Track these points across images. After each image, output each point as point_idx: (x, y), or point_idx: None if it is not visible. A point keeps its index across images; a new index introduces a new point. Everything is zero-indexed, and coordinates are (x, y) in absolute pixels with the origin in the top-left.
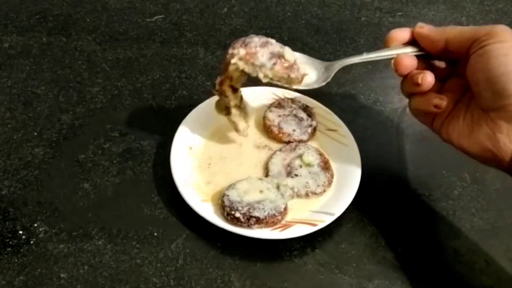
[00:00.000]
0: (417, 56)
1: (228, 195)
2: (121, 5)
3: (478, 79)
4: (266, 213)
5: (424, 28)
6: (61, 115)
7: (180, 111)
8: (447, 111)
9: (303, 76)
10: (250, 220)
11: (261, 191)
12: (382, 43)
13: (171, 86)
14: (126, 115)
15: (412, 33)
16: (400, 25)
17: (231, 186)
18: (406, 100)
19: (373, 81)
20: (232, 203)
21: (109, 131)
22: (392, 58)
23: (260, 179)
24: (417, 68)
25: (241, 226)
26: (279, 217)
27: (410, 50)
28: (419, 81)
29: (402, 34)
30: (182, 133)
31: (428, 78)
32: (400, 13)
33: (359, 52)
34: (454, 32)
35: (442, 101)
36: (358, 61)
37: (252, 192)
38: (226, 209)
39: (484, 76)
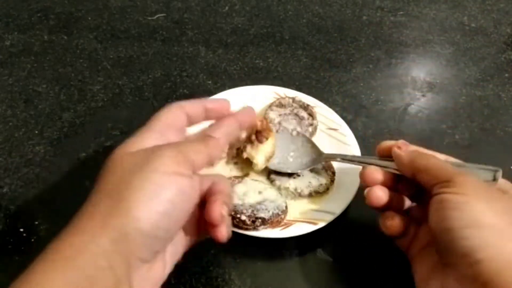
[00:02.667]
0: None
1: None
2: (123, 3)
3: (431, 225)
4: (270, 213)
5: (401, 150)
6: (62, 113)
7: None
8: (421, 243)
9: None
10: (256, 221)
11: (260, 192)
12: (383, 42)
13: (172, 85)
14: (127, 114)
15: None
16: (402, 24)
17: None
18: (407, 100)
19: (374, 81)
20: (235, 206)
21: (110, 130)
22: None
23: (255, 180)
24: (384, 183)
25: (246, 229)
26: (282, 216)
27: (387, 164)
28: (365, 194)
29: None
30: None
31: (373, 194)
32: (401, 12)
33: (359, 51)
34: (421, 166)
35: (391, 222)
36: (338, 161)
37: (251, 194)
38: (231, 213)
39: (434, 225)
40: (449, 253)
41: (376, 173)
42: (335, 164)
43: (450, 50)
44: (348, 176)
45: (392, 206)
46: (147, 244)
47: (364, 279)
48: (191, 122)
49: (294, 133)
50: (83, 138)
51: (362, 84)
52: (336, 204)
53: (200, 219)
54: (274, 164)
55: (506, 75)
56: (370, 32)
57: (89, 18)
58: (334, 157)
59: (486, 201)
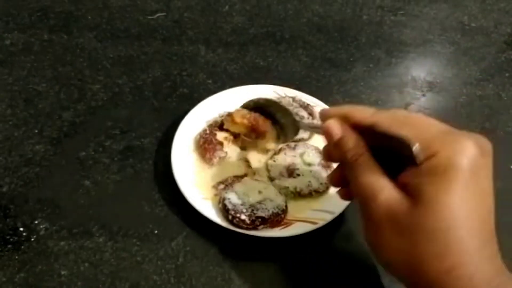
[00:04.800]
0: None
1: (229, 198)
2: (123, 2)
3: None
4: (270, 213)
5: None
6: (62, 112)
7: (181, 109)
8: None
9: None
10: (255, 221)
11: (260, 192)
12: (383, 41)
13: (172, 84)
14: (127, 113)
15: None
16: (402, 24)
17: (229, 189)
18: (407, 99)
19: (374, 80)
20: (235, 206)
21: (110, 129)
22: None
23: (256, 179)
24: None
25: (246, 228)
26: (282, 215)
27: None
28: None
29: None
30: (183, 131)
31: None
32: (401, 12)
33: (360, 50)
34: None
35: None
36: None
37: (251, 193)
38: (231, 213)
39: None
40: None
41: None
42: (335, 165)
43: (450, 49)
44: None
45: None
46: None
47: (364, 279)
48: None
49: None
50: (83, 137)
51: (362, 84)
52: (336, 203)
53: None
54: None
55: (507, 74)
56: (370, 31)
57: (89, 17)
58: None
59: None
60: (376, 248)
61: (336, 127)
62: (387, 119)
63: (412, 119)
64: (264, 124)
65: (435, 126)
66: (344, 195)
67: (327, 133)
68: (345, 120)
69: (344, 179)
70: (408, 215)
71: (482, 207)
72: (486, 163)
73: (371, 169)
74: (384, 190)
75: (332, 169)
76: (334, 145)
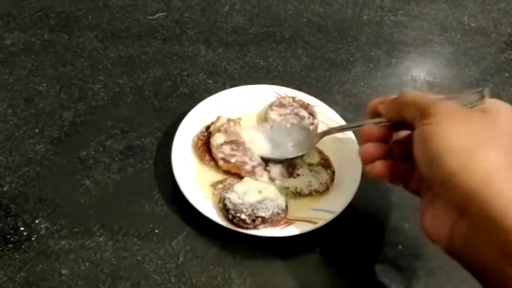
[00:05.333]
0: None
1: (229, 198)
2: (123, 2)
3: (415, 160)
4: (270, 212)
5: (381, 106)
6: (62, 112)
7: (181, 109)
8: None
9: None
10: (255, 221)
11: (260, 191)
12: (383, 41)
13: (173, 84)
14: (127, 113)
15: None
16: (402, 24)
17: (229, 189)
18: None
19: (374, 80)
20: (235, 205)
21: (110, 128)
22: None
23: (256, 179)
24: (382, 137)
25: (246, 228)
26: (282, 215)
27: (377, 120)
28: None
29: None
30: (183, 130)
31: (364, 149)
32: (401, 12)
33: (360, 50)
34: (402, 104)
35: (370, 169)
36: (335, 132)
37: (251, 193)
38: (231, 212)
39: (416, 159)
40: (433, 183)
41: (371, 129)
42: (335, 164)
43: (450, 49)
44: (348, 175)
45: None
46: None
47: (364, 279)
48: None
49: (289, 125)
50: (83, 137)
51: (362, 84)
52: (336, 203)
53: None
54: (276, 154)
55: (506, 74)
56: (370, 31)
57: (90, 17)
58: (330, 131)
59: (458, 125)
60: (433, 141)
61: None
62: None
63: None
64: (236, 171)
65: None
66: (379, 170)
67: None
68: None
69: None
70: (472, 113)
71: None
72: None
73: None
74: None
75: (332, 169)
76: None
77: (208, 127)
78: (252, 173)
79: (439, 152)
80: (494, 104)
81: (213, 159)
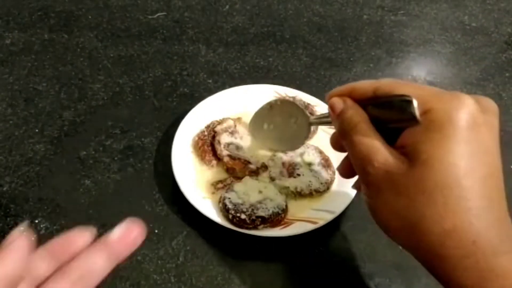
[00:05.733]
0: None
1: (229, 198)
2: (123, 2)
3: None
4: (270, 212)
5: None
6: (62, 112)
7: (181, 108)
8: None
9: None
10: (255, 220)
11: (260, 191)
12: (383, 41)
13: (173, 83)
14: (127, 112)
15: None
16: (402, 24)
17: (229, 189)
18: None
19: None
20: (235, 205)
21: (110, 128)
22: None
23: (256, 179)
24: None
25: (246, 227)
26: (282, 215)
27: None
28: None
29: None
30: (183, 130)
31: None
32: (402, 12)
33: (360, 50)
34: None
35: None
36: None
37: (251, 193)
38: (231, 212)
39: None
40: None
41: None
42: (336, 164)
43: (450, 49)
44: None
45: None
46: None
47: (364, 279)
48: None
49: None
50: (83, 136)
51: None
52: (336, 203)
53: None
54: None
55: (507, 74)
56: (370, 31)
57: (90, 17)
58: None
59: (394, 200)
60: (376, 212)
61: (337, 102)
62: (389, 82)
63: (413, 83)
64: (241, 170)
65: (435, 89)
66: (344, 170)
67: (331, 111)
68: (349, 96)
69: (353, 168)
70: (406, 175)
71: (483, 166)
72: (489, 120)
73: (368, 134)
74: (380, 151)
75: (332, 169)
76: (336, 118)
77: (208, 126)
78: (256, 172)
79: (386, 230)
80: (487, 102)
81: (213, 159)
